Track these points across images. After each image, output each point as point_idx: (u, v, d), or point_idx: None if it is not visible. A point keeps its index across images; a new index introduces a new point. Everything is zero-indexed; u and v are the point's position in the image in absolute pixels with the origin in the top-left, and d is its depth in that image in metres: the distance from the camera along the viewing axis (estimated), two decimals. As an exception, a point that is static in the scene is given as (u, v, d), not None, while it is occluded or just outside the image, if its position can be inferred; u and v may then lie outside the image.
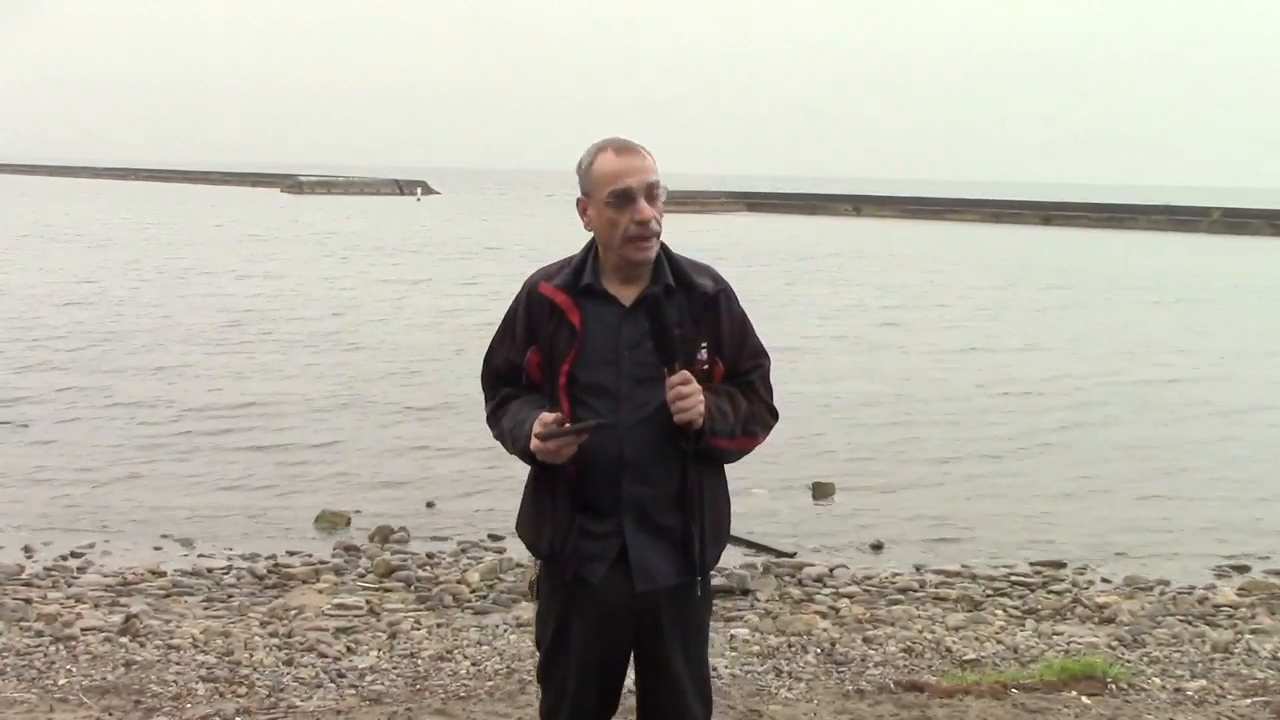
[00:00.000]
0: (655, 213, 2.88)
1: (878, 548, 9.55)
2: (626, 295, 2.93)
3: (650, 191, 2.87)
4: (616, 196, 2.86)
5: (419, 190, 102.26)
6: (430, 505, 10.43)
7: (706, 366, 2.94)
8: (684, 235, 43.07)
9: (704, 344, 2.94)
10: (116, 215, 59.05)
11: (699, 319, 2.94)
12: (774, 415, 3.09)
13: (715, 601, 7.35)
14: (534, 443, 2.83)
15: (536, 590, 3.12)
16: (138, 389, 15.28)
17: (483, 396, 3.15)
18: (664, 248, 2.97)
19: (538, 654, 3.15)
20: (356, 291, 27.43)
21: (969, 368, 18.79)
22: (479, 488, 10.81)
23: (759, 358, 3.07)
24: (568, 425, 2.83)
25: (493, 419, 3.08)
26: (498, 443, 3.08)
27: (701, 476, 2.95)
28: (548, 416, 2.84)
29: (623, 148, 2.89)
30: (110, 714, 4.94)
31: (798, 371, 17.20)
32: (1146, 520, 10.63)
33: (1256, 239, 60.99)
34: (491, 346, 3.11)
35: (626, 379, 2.90)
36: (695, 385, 2.81)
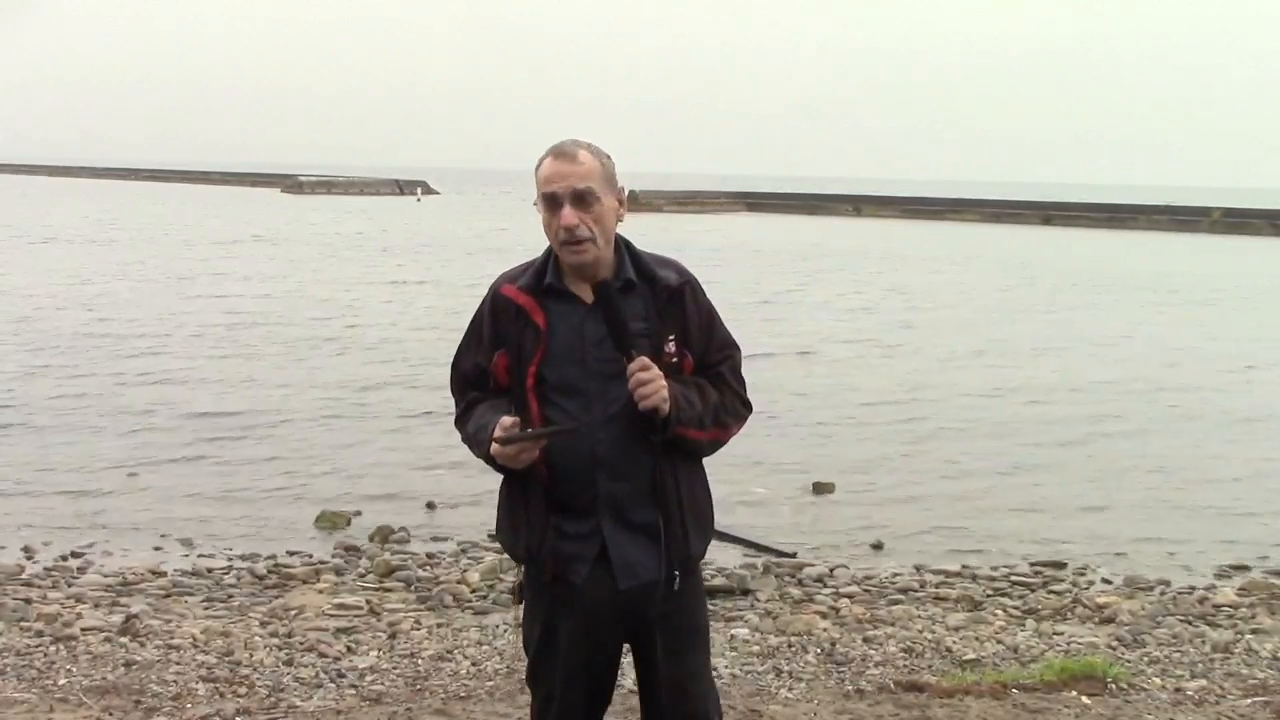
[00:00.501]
0: (580, 220, 2.85)
1: (878, 548, 9.55)
2: (588, 293, 2.93)
3: (579, 198, 2.86)
4: (545, 200, 2.89)
5: (419, 190, 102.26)
6: (430, 505, 10.44)
7: (675, 359, 2.93)
8: (684, 235, 43.01)
9: (671, 337, 2.93)
10: (117, 216, 59.04)
11: (664, 312, 2.94)
12: (747, 406, 3.08)
13: (716, 602, 7.40)
14: (493, 447, 2.83)
15: (521, 594, 3.11)
16: (139, 389, 15.29)
17: (453, 401, 3.15)
18: (627, 244, 3.00)
19: (526, 658, 3.14)
20: (360, 293, 27.41)
21: (977, 369, 18.80)
22: (479, 488, 10.79)
23: (728, 349, 3.06)
24: (528, 430, 2.83)
25: (460, 422, 3.09)
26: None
27: (675, 469, 2.94)
28: (507, 420, 2.83)
29: (560, 153, 2.91)
30: (110, 714, 4.94)
31: (808, 373, 17.23)
32: (1147, 520, 10.62)
33: (1257, 239, 61.00)
34: (459, 351, 3.11)
35: (594, 376, 2.90)
36: (655, 371, 2.81)
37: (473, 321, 3.08)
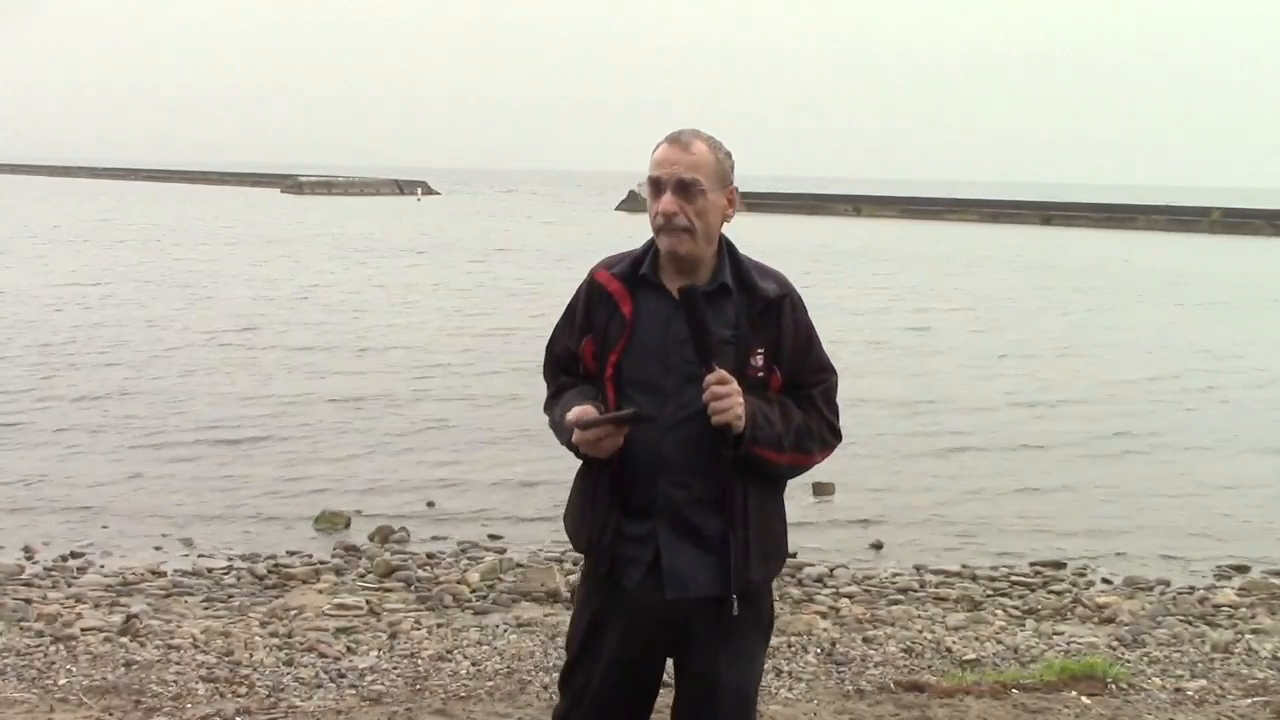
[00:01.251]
0: (680, 209, 2.78)
1: (878, 548, 9.55)
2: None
3: (683, 186, 2.78)
4: (650, 184, 2.84)
5: (419, 190, 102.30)
6: (430, 505, 10.44)
7: (761, 374, 2.82)
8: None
9: (760, 350, 2.82)
10: (120, 216, 58.99)
11: (757, 323, 2.83)
12: (835, 435, 2.94)
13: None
14: (575, 434, 2.75)
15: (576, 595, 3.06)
16: (141, 389, 15.28)
17: (544, 385, 3.08)
18: (730, 247, 2.90)
19: (566, 656, 3.06)
20: (364, 295, 27.37)
21: (989, 372, 18.81)
22: (480, 488, 10.82)
23: (824, 373, 2.93)
24: (606, 414, 2.75)
25: (547, 408, 3.01)
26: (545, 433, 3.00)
27: (748, 488, 2.82)
28: (589, 408, 2.76)
29: (675, 139, 2.84)
30: (110, 714, 4.94)
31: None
32: (1147, 520, 10.63)
33: (1256, 239, 61.02)
34: (553, 334, 3.05)
35: (674, 374, 2.80)
36: (733, 386, 2.70)
37: (569, 304, 3.02)
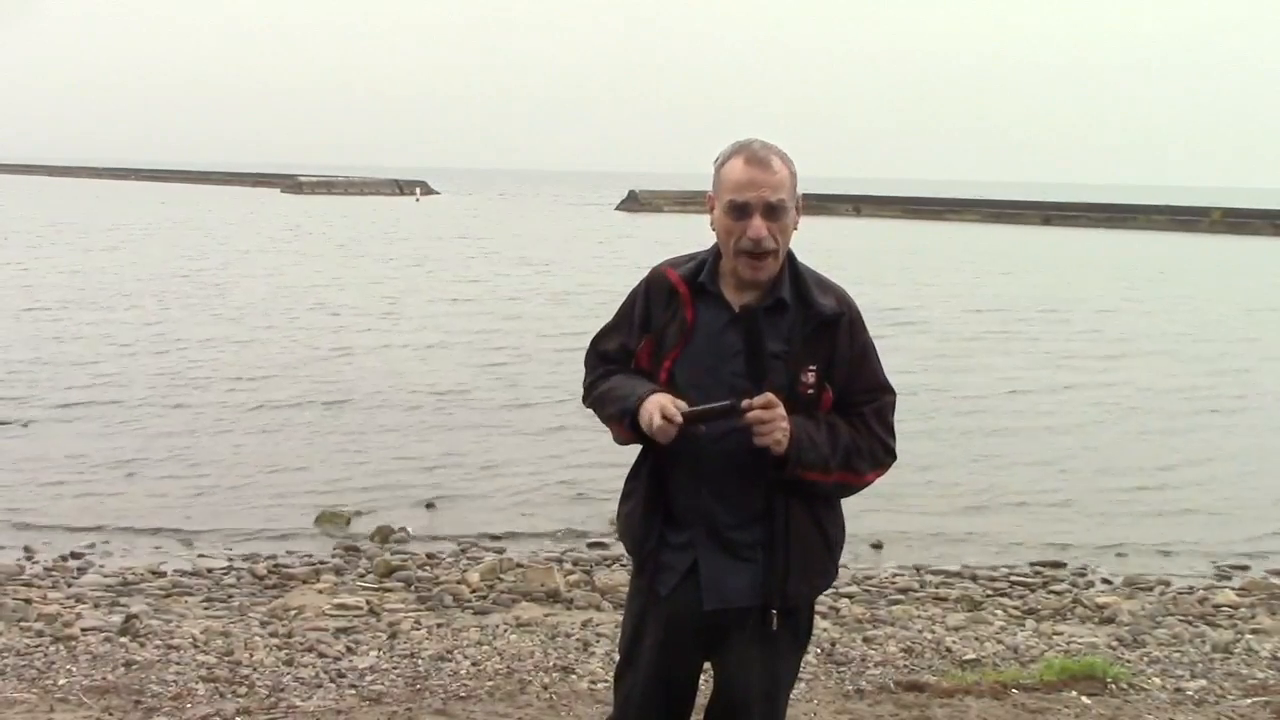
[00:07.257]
0: (769, 232, 2.76)
1: (878, 548, 9.55)
2: (740, 301, 2.83)
3: (771, 210, 2.76)
4: (734, 208, 2.77)
5: (418, 190, 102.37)
6: (430, 505, 10.44)
7: (812, 391, 2.79)
8: (687, 237, 42.98)
9: (812, 366, 2.79)
10: (123, 216, 58.93)
11: (811, 340, 2.80)
12: (889, 454, 2.91)
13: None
14: (657, 419, 2.67)
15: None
16: (141, 389, 15.27)
17: (582, 376, 3.08)
18: (792, 259, 2.87)
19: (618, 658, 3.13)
20: (367, 298, 27.40)
21: (977, 365, 18.80)
22: (479, 488, 10.82)
23: (876, 392, 2.90)
24: (703, 406, 2.70)
25: (592, 388, 3.00)
26: (593, 410, 2.98)
27: (789, 503, 2.81)
28: (680, 403, 2.70)
29: (753, 158, 2.79)
30: (110, 714, 4.94)
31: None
32: (1147, 520, 10.63)
33: (1256, 239, 61.00)
34: (602, 333, 3.05)
35: (722, 386, 2.77)
36: (778, 410, 2.67)
37: (623, 306, 3.01)
